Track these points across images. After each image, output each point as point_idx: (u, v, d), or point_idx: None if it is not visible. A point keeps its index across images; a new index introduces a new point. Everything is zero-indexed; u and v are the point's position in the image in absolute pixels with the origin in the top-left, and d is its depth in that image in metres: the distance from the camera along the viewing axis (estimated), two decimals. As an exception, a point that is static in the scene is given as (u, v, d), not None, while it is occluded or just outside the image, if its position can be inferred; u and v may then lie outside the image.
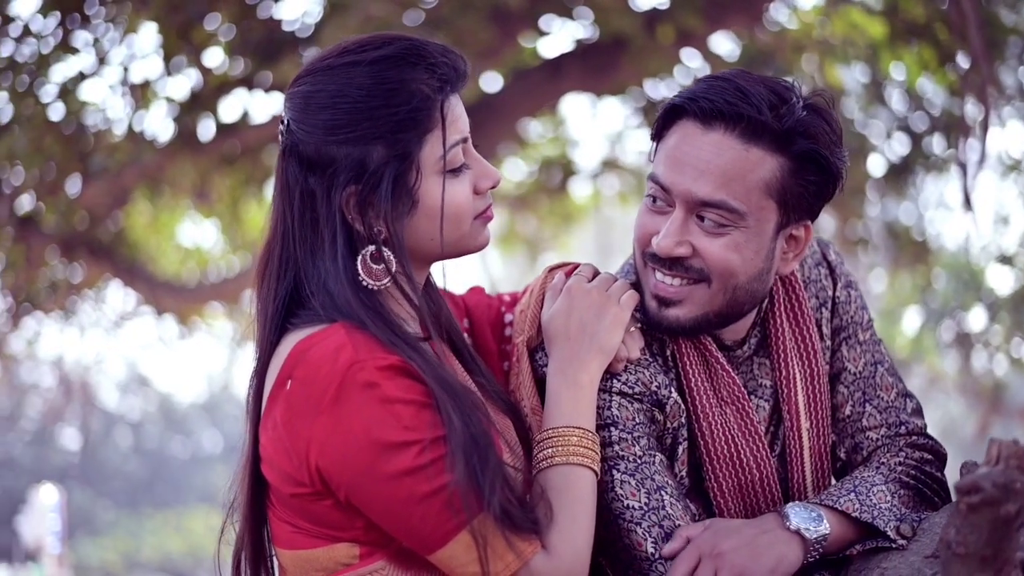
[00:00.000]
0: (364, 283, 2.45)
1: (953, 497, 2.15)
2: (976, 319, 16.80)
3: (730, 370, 2.74)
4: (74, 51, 8.30)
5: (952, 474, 2.50)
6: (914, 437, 2.83)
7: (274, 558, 2.59)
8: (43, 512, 22.46)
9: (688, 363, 2.72)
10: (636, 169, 12.17)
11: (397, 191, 2.43)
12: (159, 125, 9.21)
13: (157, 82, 8.66)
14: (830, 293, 2.88)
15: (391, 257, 2.46)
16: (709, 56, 9.10)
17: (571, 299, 2.68)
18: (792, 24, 9.19)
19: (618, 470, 2.61)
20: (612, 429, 2.63)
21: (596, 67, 9.03)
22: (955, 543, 2.03)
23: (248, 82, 8.68)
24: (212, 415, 36.55)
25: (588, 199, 13.49)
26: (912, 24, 8.34)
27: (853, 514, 2.61)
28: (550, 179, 12.17)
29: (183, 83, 8.80)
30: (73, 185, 9.68)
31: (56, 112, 8.66)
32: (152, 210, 11.96)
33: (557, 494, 2.48)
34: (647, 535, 2.58)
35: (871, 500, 2.64)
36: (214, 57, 8.58)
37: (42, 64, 8.27)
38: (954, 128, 8.89)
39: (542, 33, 9.12)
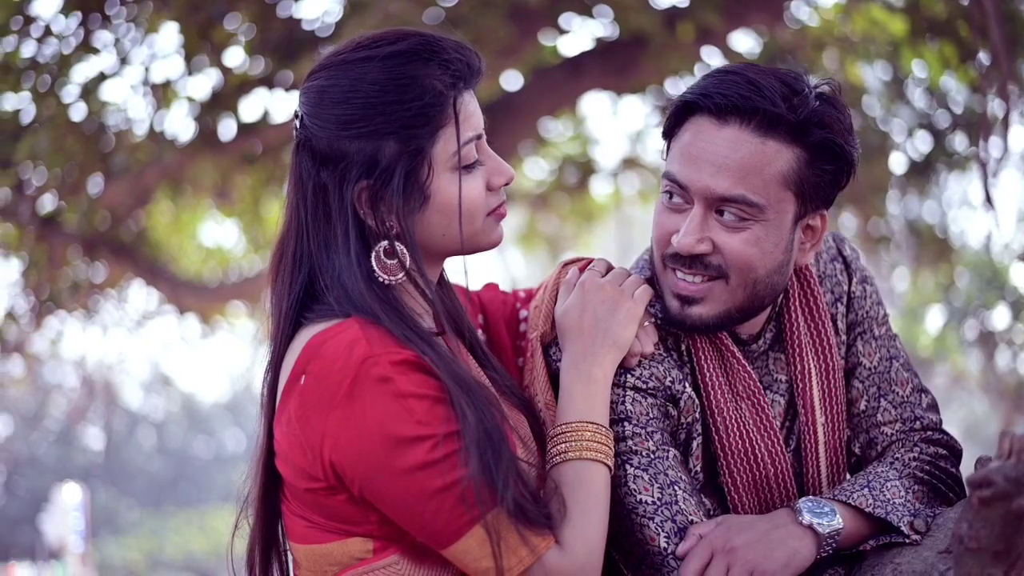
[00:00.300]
0: (378, 278, 2.45)
1: (968, 492, 2.14)
2: (999, 317, 16.74)
3: (745, 364, 2.73)
4: (95, 51, 8.33)
5: (969, 470, 2.49)
6: (929, 432, 2.82)
7: (288, 553, 2.60)
8: (66, 511, 22.55)
9: (703, 358, 2.72)
10: (656, 168, 12.14)
11: (409, 186, 2.43)
12: (180, 125, 9.24)
13: (178, 82, 8.68)
14: (845, 288, 2.87)
15: (404, 252, 2.46)
16: (729, 54, 9.07)
17: (584, 294, 2.67)
18: (813, 21, 9.15)
19: (631, 465, 2.61)
20: (626, 424, 2.63)
21: (616, 65, 9.02)
22: (967, 537, 2.03)
23: (268, 81, 8.70)
24: (235, 415, 36.63)
25: (609, 198, 13.49)
26: (933, 21, 8.30)
27: (866, 509, 2.60)
28: (570, 178, 12.16)
29: (204, 83, 8.82)
30: (95, 185, 9.71)
31: (78, 112, 8.68)
32: (174, 209, 11.99)
33: (570, 489, 2.47)
34: (660, 530, 2.58)
35: (885, 495, 2.63)
36: (234, 57, 8.60)
37: (63, 64, 8.30)
38: (976, 125, 8.84)
39: (562, 31, 9.11)
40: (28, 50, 8.29)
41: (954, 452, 2.81)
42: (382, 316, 2.40)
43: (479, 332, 2.86)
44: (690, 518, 2.59)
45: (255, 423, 2.60)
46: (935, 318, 18.55)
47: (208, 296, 12.78)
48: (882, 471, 2.70)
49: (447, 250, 2.55)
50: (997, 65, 6.76)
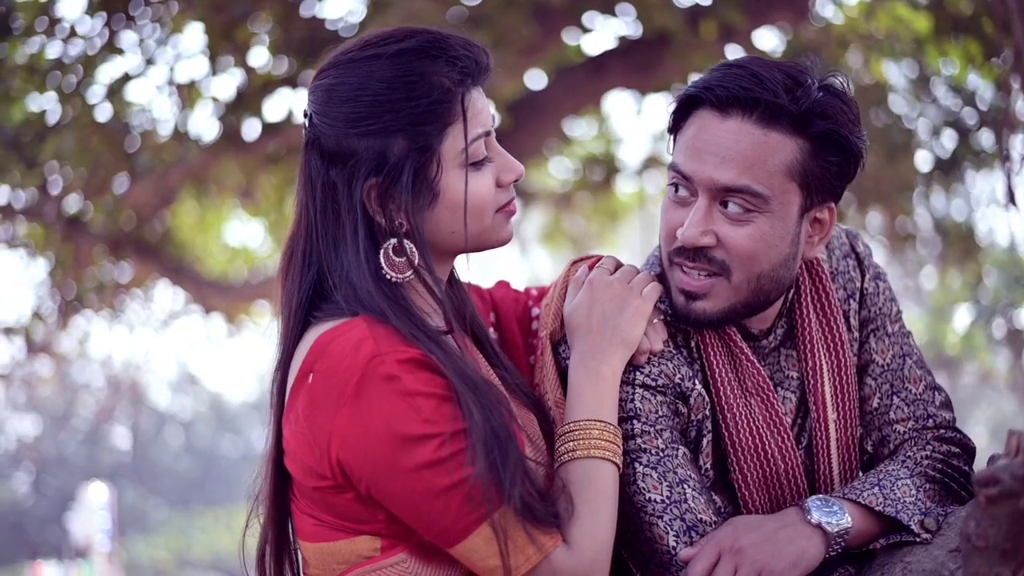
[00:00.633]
0: (387, 276, 2.45)
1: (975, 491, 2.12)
2: (1027, 316, 16.65)
3: (755, 361, 2.72)
4: (120, 52, 8.37)
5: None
6: (942, 431, 2.80)
7: (298, 551, 2.60)
8: (92, 510, 22.64)
9: (713, 354, 2.71)
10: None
11: (417, 184, 2.44)
12: (204, 125, 9.28)
13: (202, 82, 8.71)
14: (858, 284, 2.86)
15: (413, 250, 2.46)
16: (753, 52, 9.03)
17: (593, 291, 2.67)
18: (837, 19, 9.12)
19: (640, 463, 2.60)
20: (635, 422, 2.62)
21: (639, 64, 9.02)
22: (975, 536, 2.01)
23: (292, 81, 8.72)
24: (262, 414, 36.57)
25: (633, 196, 13.47)
26: (958, 18, 8.26)
27: (876, 508, 2.58)
28: (594, 177, 12.15)
29: (228, 83, 8.85)
30: (120, 185, 9.75)
31: (103, 113, 8.73)
32: (199, 209, 12.04)
33: (578, 488, 2.47)
34: (669, 528, 2.57)
35: (895, 494, 2.61)
36: (258, 57, 8.62)
37: (89, 65, 8.35)
38: (1001, 123, 8.80)
39: (585, 30, 9.10)
40: (54, 51, 8.34)
41: (967, 450, 2.79)
42: (390, 314, 2.40)
43: (491, 330, 2.86)
44: (699, 516, 2.58)
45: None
46: (963, 317, 18.47)
47: (233, 296, 12.82)
48: (893, 469, 2.68)
49: (456, 247, 2.55)
50: (1020, 62, 6.72)
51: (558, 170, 12.72)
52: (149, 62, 8.53)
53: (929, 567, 2.46)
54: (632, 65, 9.08)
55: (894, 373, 2.83)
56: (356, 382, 2.33)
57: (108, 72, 8.59)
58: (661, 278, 2.72)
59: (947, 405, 2.85)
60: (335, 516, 2.44)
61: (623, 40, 9.18)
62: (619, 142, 12.25)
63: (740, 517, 2.62)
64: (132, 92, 8.83)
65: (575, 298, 2.70)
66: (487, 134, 2.51)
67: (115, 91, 8.62)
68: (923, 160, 10.53)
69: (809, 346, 2.77)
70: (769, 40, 9.53)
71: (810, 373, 2.77)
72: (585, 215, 13.41)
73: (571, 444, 2.52)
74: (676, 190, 2.64)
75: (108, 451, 34.63)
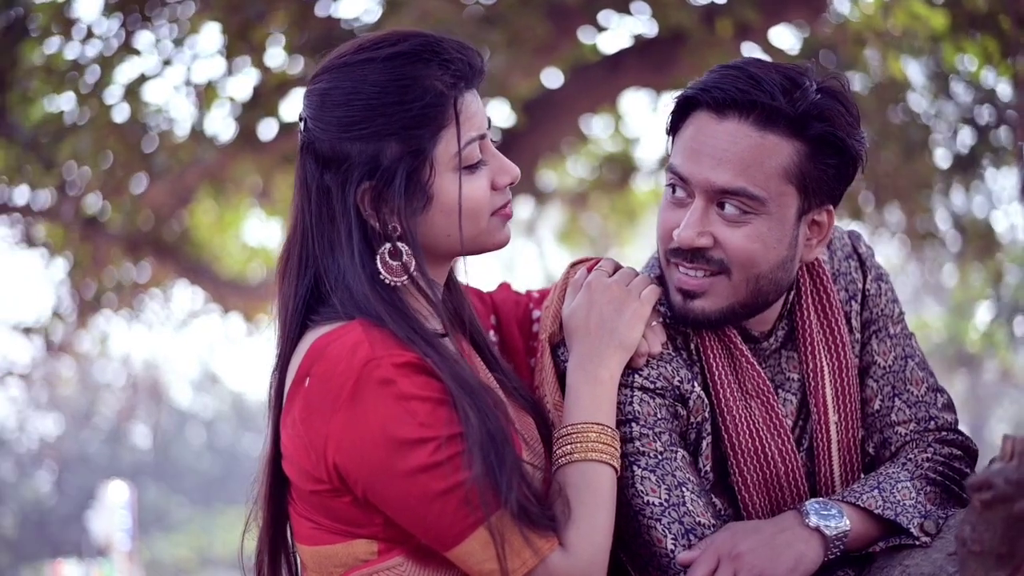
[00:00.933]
0: (383, 279, 2.45)
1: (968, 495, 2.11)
2: (1049, 314, 16.57)
3: (755, 363, 2.70)
4: (136, 53, 8.39)
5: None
6: (944, 433, 2.78)
7: (296, 554, 2.60)
8: (113, 509, 22.72)
9: (712, 356, 2.70)
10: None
11: (411, 187, 2.43)
12: (220, 125, 9.31)
13: (219, 82, 8.73)
14: (860, 286, 2.84)
15: (409, 254, 2.46)
16: (769, 49, 9.02)
17: (591, 294, 2.66)
18: (853, 16, 9.08)
19: (639, 466, 2.59)
20: (633, 425, 2.61)
21: (655, 62, 9.01)
22: (970, 540, 2.00)
23: (307, 81, 8.71)
24: (283, 413, 36.72)
25: (650, 195, 13.45)
26: (974, 15, 8.22)
27: (875, 511, 2.57)
28: (611, 175, 12.14)
29: (244, 83, 8.87)
30: (137, 185, 9.79)
31: (121, 113, 8.76)
32: (216, 209, 12.07)
33: (575, 491, 2.46)
34: (667, 531, 2.56)
35: (895, 497, 2.60)
36: (274, 57, 8.64)
37: (106, 66, 8.37)
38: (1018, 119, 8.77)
39: (600, 28, 9.10)
40: (71, 52, 8.37)
41: (969, 452, 2.77)
42: (386, 318, 2.40)
43: (491, 333, 2.86)
44: (698, 519, 2.57)
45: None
46: (984, 314, 18.39)
47: (251, 295, 12.84)
48: (893, 472, 2.67)
49: (452, 251, 2.54)
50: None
51: (575, 169, 12.70)
52: (166, 63, 8.56)
53: (928, 571, 2.45)
54: (648, 63, 9.07)
55: (896, 375, 2.81)
56: (352, 386, 2.33)
57: (125, 73, 8.62)
58: (661, 280, 2.71)
59: (949, 407, 2.83)
60: (332, 520, 2.44)
61: (638, 38, 9.17)
62: (636, 141, 12.23)
63: (738, 522, 2.61)
64: (149, 93, 8.87)
65: (573, 301, 2.69)
66: (481, 137, 2.50)
67: (132, 92, 8.65)
68: (941, 157, 10.49)
69: (810, 348, 2.76)
70: (785, 38, 9.50)
71: (811, 375, 2.75)
72: (602, 214, 13.40)
73: (568, 447, 2.52)
74: (673, 191, 2.64)
75: (130, 450, 34.74)
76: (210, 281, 12.38)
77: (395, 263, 2.46)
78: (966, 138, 10.30)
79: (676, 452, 2.62)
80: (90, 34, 8.27)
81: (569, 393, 2.59)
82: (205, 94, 8.84)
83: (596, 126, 11.74)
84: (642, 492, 2.58)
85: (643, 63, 9.10)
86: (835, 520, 2.55)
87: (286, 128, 9.01)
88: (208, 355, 30.93)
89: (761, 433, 2.69)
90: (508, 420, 2.43)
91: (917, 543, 2.54)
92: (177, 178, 9.78)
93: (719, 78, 2.58)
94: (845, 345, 2.77)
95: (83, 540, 25.16)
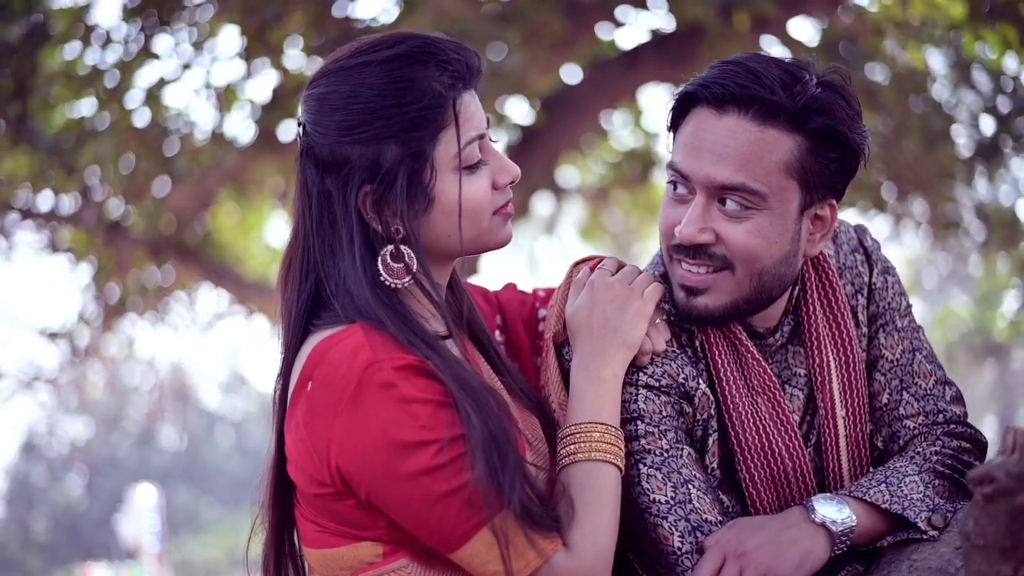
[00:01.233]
0: (384, 282, 2.45)
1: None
2: (1076, 301, 16.49)
3: (760, 359, 2.70)
4: (156, 57, 8.43)
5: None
6: (952, 426, 2.77)
7: (303, 558, 2.61)
8: (141, 511, 22.81)
9: (717, 353, 2.69)
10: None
11: (412, 189, 2.44)
12: (240, 127, 9.33)
13: (238, 84, 8.76)
14: (866, 279, 2.83)
15: (411, 255, 2.46)
16: (788, 42, 8.99)
17: (594, 293, 2.66)
18: (872, 7, 9.04)
19: (645, 464, 2.59)
20: (639, 423, 2.61)
21: (673, 57, 8.98)
22: (974, 534, 1.99)
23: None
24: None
25: (671, 190, 13.38)
26: (994, 3, 8.18)
27: (882, 505, 2.56)
28: (632, 171, 12.12)
29: (263, 85, 8.90)
30: (159, 189, 9.83)
31: (141, 118, 8.79)
32: (239, 211, 12.10)
33: (579, 491, 2.46)
34: (674, 529, 2.55)
35: (902, 491, 2.59)
36: (293, 58, 8.66)
37: (126, 70, 8.41)
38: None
39: (618, 24, 9.09)
40: (91, 58, 8.40)
41: (978, 445, 2.76)
42: (387, 321, 2.40)
43: (497, 333, 2.86)
44: (704, 516, 2.57)
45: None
46: (1011, 303, 18.31)
47: (273, 297, 12.85)
48: (901, 466, 2.66)
49: (454, 251, 2.54)
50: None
51: (595, 165, 12.69)
52: (185, 66, 8.59)
53: (935, 564, 2.44)
54: (665, 58, 9.04)
55: (903, 368, 2.80)
56: (353, 390, 2.33)
57: (145, 77, 8.66)
58: (665, 278, 2.70)
59: (958, 400, 2.82)
60: (337, 522, 2.44)
61: (656, 33, 9.15)
62: (655, 136, 12.21)
63: (744, 519, 2.60)
64: (169, 96, 8.90)
65: (576, 300, 2.68)
66: (481, 137, 2.50)
67: (152, 96, 8.68)
68: (963, 147, 10.43)
69: (816, 342, 2.75)
70: (804, 30, 9.47)
71: (817, 370, 2.74)
72: (624, 210, 13.38)
73: (572, 447, 2.51)
74: (675, 188, 2.63)
75: (159, 453, 34.91)
76: (233, 283, 12.40)
77: (397, 265, 2.46)
78: (987, 127, 10.24)
79: (682, 449, 2.62)
80: (109, 39, 8.30)
81: (573, 393, 2.59)
82: (225, 97, 8.87)
83: (616, 122, 11.72)
84: (648, 490, 2.57)
85: (661, 58, 9.08)
86: (841, 515, 2.54)
87: (306, 129, 9.00)
88: (235, 357, 31.01)
89: (768, 429, 2.68)
90: (511, 421, 2.42)
91: (925, 537, 2.53)
92: (198, 181, 9.81)
93: (718, 74, 2.57)
94: (852, 339, 2.76)
95: (112, 543, 25.29)
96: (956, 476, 2.66)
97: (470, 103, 2.49)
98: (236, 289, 12.53)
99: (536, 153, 9.99)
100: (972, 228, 11.80)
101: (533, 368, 2.86)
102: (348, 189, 2.44)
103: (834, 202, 2.66)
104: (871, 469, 2.79)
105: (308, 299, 2.50)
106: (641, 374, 2.63)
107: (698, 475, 2.61)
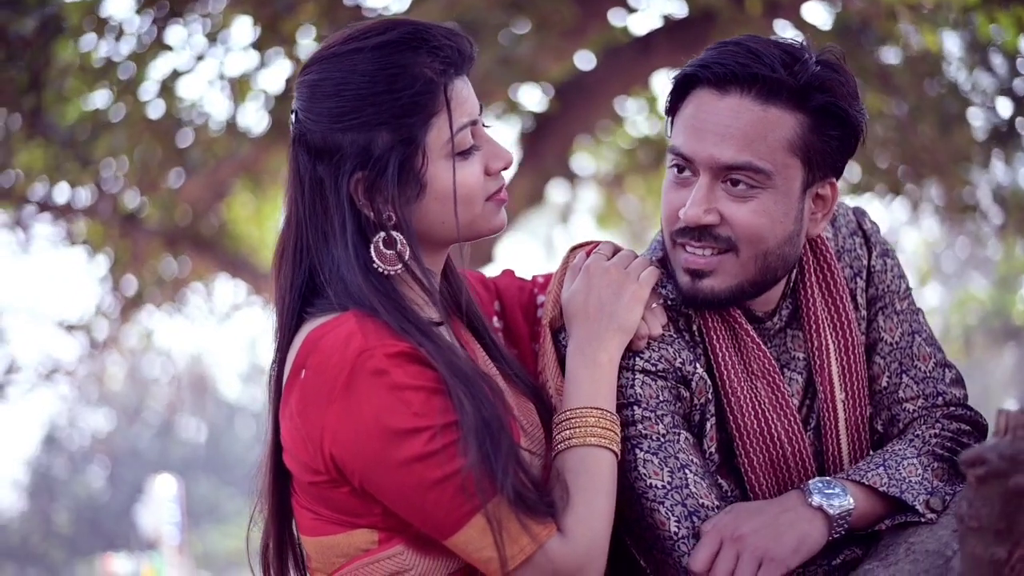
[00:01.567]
0: (377, 269, 2.45)
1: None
2: (1095, 284, 16.42)
3: (760, 343, 2.68)
4: (169, 48, 8.44)
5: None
6: (952, 408, 2.76)
7: (301, 546, 2.61)
8: (161, 502, 22.87)
9: (715, 337, 2.68)
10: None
11: (404, 176, 2.43)
12: (254, 117, 9.35)
13: (251, 75, 8.77)
14: (865, 262, 2.82)
15: (403, 242, 2.46)
16: (801, 26, 8.96)
17: (589, 278, 2.65)
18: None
19: (641, 449, 2.58)
20: (635, 407, 2.60)
21: (685, 42, 8.96)
22: (967, 516, 1.98)
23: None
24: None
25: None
26: (1007, -15, 8.15)
27: (880, 488, 2.55)
28: (646, 157, 12.10)
29: (277, 75, 8.91)
30: (174, 180, 9.85)
31: (156, 110, 8.81)
32: (254, 202, 12.12)
33: (574, 476, 2.45)
34: (670, 514, 2.54)
35: (900, 474, 2.58)
36: (306, 48, 8.66)
37: (139, 62, 8.43)
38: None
39: (631, 10, 9.08)
40: (104, 50, 8.42)
41: (978, 427, 2.74)
42: (379, 308, 2.40)
43: (495, 319, 2.85)
44: (701, 502, 2.56)
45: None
46: (1030, 287, 18.26)
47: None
48: (900, 449, 2.65)
49: (448, 238, 2.54)
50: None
51: (610, 152, 12.67)
52: (199, 58, 8.61)
53: (933, 547, 2.43)
54: (678, 44, 9.02)
55: (903, 351, 2.79)
56: (346, 377, 2.33)
57: (159, 69, 8.68)
58: (663, 263, 2.70)
59: (958, 382, 2.80)
60: (332, 510, 2.44)
61: (668, 19, 9.14)
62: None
63: (741, 503, 2.60)
64: (183, 88, 8.91)
65: (572, 285, 2.67)
66: (473, 123, 2.49)
67: (166, 87, 8.70)
68: (979, 129, 10.38)
69: (815, 326, 2.73)
70: (817, 14, 9.43)
71: (816, 353, 2.73)
72: (639, 196, 13.36)
73: (567, 432, 2.50)
74: (678, 172, 2.62)
75: (180, 444, 35.02)
76: (250, 273, 12.43)
77: (389, 252, 2.46)
78: (1005, 109, 10.18)
79: (679, 434, 2.60)
80: (122, 31, 8.31)
81: (568, 378, 2.58)
82: (238, 87, 8.89)
83: (630, 108, 11.69)
84: (645, 475, 2.56)
85: (674, 43, 9.06)
86: (838, 499, 2.53)
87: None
88: (253, 348, 31.07)
89: (767, 414, 2.67)
90: (505, 407, 2.42)
91: (923, 520, 2.52)
92: (213, 172, 9.84)
93: (718, 54, 2.56)
94: (851, 322, 2.75)
95: (132, 534, 25.38)
96: (955, 459, 2.64)
97: (462, 89, 2.48)
98: (252, 279, 12.56)
99: (550, 140, 10.00)
100: (989, 212, 11.74)
101: (531, 354, 2.84)
102: (340, 176, 2.44)
103: (834, 180, 2.66)
104: (871, 452, 2.78)
105: (302, 286, 2.49)
106: (637, 359, 2.62)
107: (695, 460, 2.60)
